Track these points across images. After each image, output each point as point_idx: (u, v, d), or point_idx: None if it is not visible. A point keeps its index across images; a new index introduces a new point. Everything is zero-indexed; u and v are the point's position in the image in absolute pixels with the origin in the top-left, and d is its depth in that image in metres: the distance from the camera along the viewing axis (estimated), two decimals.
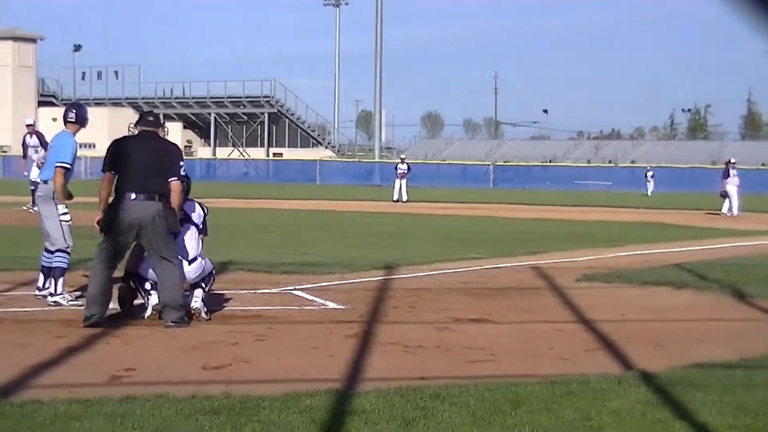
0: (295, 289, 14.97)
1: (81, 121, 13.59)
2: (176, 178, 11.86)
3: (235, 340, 10.75)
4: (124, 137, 12.20)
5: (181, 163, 12.01)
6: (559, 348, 10.66)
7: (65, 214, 13.17)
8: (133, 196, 11.60)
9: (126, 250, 11.95)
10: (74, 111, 13.65)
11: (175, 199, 11.84)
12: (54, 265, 13.14)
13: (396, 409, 7.52)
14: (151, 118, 12.17)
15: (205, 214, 12.69)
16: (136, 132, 12.09)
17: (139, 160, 11.73)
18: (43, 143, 28.79)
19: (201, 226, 12.56)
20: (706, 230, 30.91)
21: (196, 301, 12.17)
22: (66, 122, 13.57)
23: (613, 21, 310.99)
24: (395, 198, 49.71)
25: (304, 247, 22.36)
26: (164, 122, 12.30)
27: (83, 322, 11.39)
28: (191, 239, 12.38)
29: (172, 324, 11.50)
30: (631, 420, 7.32)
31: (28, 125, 31.47)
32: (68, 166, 13.18)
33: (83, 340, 10.65)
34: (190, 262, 12.23)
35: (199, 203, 12.78)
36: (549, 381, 8.59)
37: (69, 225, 13.23)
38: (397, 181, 50.75)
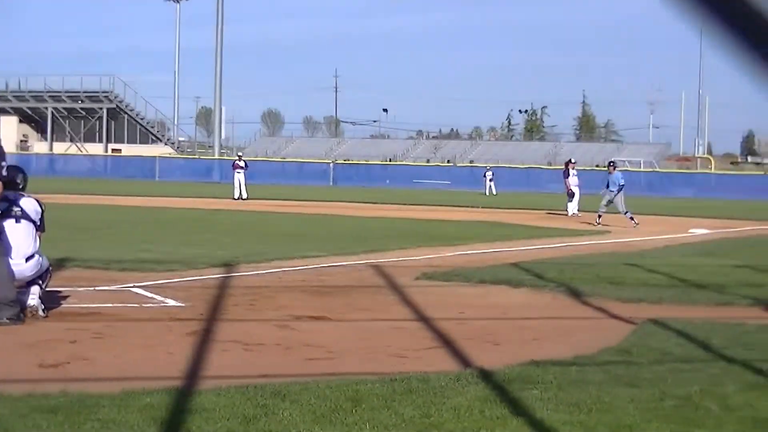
0: (133, 287, 14.80)
1: None
2: None
3: (72, 338, 10.61)
4: None
5: (3, 163, 11.75)
6: (399, 346, 10.75)
7: None
8: None
9: None
10: None
11: None
12: None
13: (237, 407, 7.50)
14: None
15: (42, 210, 12.47)
16: None
17: None
18: None
19: (38, 223, 12.34)
20: (542, 230, 31.45)
21: (33, 298, 11.96)
22: None
23: (451, 21, 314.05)
24: (236, 195, 49.46)
25: (142, 243, 22.10)
26: None
27: None
28: (28, 236, 12.15)
29: (7, 321, 11.27)
30: (469, 416, 7.42)
31: None
32: None
33: None
34: (27, 259, 12.01)
35: (36, 199, 12.55)
36: (389, 378, 8.66)
37: None
38: (236, 179, 50.48)
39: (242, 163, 51.71)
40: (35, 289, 12.03)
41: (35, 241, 12.24)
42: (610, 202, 34.65)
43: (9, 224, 12.01)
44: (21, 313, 11.53)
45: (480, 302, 14.51)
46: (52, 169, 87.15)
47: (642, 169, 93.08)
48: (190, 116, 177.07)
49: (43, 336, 10.69)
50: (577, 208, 39.98)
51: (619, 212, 34.32)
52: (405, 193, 63.52)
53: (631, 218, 33.64)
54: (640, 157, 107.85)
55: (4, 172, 11.80)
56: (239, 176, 50.50)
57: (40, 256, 12.25)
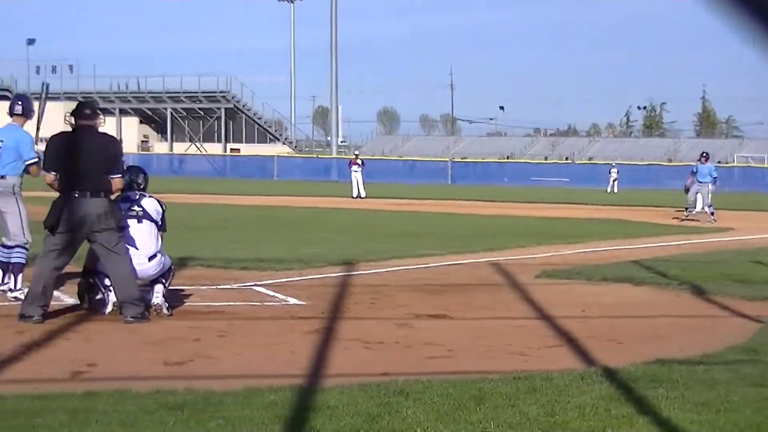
0: (255, 285, 14.94)
1: (27, 113, 13.53)
2: (119, 175, 11.84)
3: (196, 336, 10.73)
4: (62, 133, 11.94)
5: (123, 159, 11.98)
6: (520, 344, 10.70)
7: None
8: (77, 194, 11.53)
9: (73, 248, 11.84)
10: (20, 103, 13.58)
11: (113, 193, 11.89)
12: (13, 260, 13.07)
13: (360, 404, 7.52)
14: (88, 111, 11.93)
15: (163, 210, 12.65)
16: (72, 121, 11.88)
17: (81, 158, 11.61)
18: None
19: (160, 223, 12.52)
20: (663, 227, 31.09)
21: (157, 297, 12.14)
22: (12, 114, 13.48)
23: (569, 18, 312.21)
24: (354, 194, 49.58)
25: (262, 243, 22.31)
26: (101, 113, 12.14)
27: (19, 318, 11.36)
28: (150, 235, 12.34)
29: (132, 319, 11.45)
30: (595, 415, 7.35)
31: None
32: (36, 159, 13.18)
33: (44, 335, 10.59)
34: (149, 259, 12.20)
35: (157, 199, 12.73)
36: (512, 377, 8.62)
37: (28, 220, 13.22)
38: (354, 177, 50.56)
39: (359, 162, 51.86)
40: (159, 288, 12.21)
41: (157, 240, 12.42)
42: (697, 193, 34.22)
43: (131, 224, 12.20)
44: (146, 311, 11.71)
45: (602, 300, 14.37)
46: (172, 169, 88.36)
47: (766, 165, 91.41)
48: (306, 115, 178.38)
49: (167, 334, 10.84)
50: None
51: (693, 205, 34.03)
52: (523, 190, 63.22)
53: (711, 213, 33.21)
54: (763, 153, 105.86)
55: (124, 167, 12.04)
56: (356, 175, 50.65)
57: (162, 255, 12.42)
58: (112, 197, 11.90)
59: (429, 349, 10.38)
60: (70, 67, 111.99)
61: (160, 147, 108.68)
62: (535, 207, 43.04)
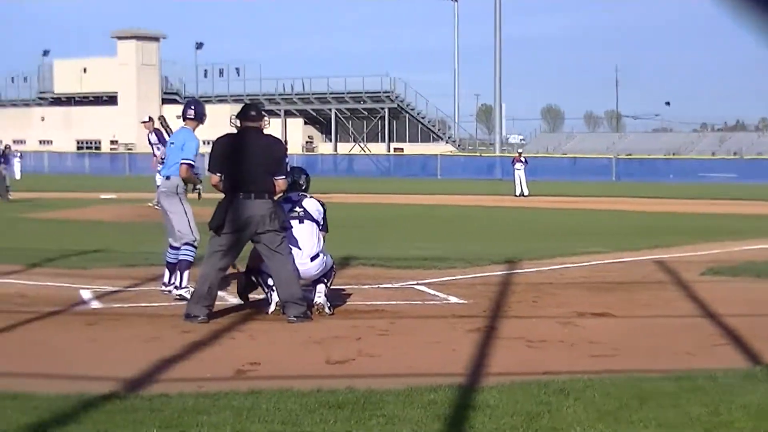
0: (417, 284, 15.00)
1: (200, 117, 13.81)
2: (283, 177, 12.00)
3: (358, 335, 10.82)
4: (228, 135, 12.19)
5: (287, 160, 12.13)
6: (684, 342, 10.52)
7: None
8: (243, 195, 11.71)
9: (238, 249, 12.06)
10: (193, 108, 13.89)
11: (277, 194, 12.04)
12: (180, 257, 13.33)
13: (520, 403, 7.49)
14: (253, 113, 12.06)
15: (324, 211, 12.76)
16: (237, 123, 12.08)
17: (246, 159, 11.79)
18: (161, 140, 28.96)
19: (321, 223, 12.64)
20: None
21: (319, 296, 12.27)
22: (185, 119, 13.80)
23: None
24: (517, 192, 49.27)
25: (425, 241, 22.38)
26: (266, 115, 12.32)
27: (184, 318, 11.61)
28: (312, 236, 12.47)
29: (295, 319, 11.59)
30: (761, 415, 7.19)
31: (143, 123, 30.64)
32: (192, 162, 13.41)
33: (209, 334, 10.80)
34: (311, 259, 12.32)
35: (318, 200, 12.85)
36: (675, 376, 8.49)
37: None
38: (517, 175, 50.21)
39: (522, 159, 51.54)
40: (321, 288, 12.34)
41: (319, 240, 12.54)
42: None
43: (293, 225, 12.34)
44: (308, 310, 11.84)
45: None
46: (336, 169, 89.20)
47: None
48: (470, 114, 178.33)
49: (329, 333, 10.94)
50: None
51: None
52: (689, 187, 62.15)
53: None
54: None
55: (288, 168, 12.24)
56: (519, 173, 50.37)
57: (324, 255, 12.54)
58: (276, 198, 12.07)
59: (593, 347, 10.29)
60: (237, 70, 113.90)
61: (324, 148, 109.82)
62: (701, 203, 42.26)
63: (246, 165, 11.76)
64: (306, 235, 12.38)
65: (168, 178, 13.61)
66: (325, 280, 12.42)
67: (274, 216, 11.75)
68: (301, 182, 12.76)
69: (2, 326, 11.14)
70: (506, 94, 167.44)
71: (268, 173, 11.81)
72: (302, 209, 12.47)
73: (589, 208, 38.55)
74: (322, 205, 12.81)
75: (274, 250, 11.77)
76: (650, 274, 16.80)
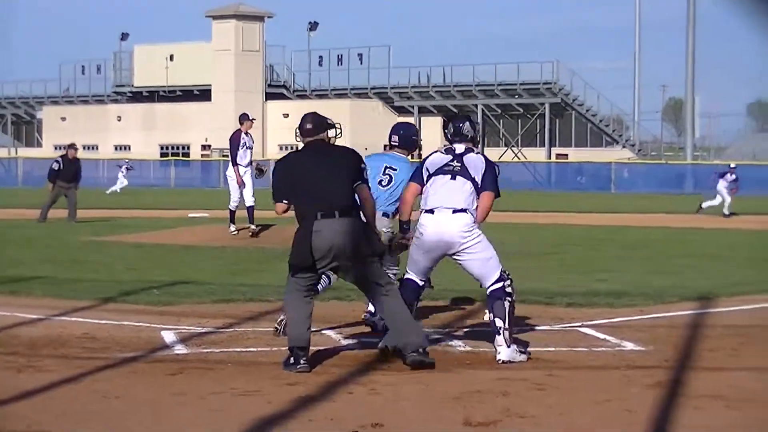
0: (582, 326, 14.96)
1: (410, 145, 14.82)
2: (361, 182, 12.09)
3: (506, 389, 10.80)
4: (289, 155, 12.52)
5: (363, 165, 12.21)
6: None
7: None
8: (320, 216, 11.84)
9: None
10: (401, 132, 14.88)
11: (367, 208, 12.11)
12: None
13: None
14: (308, 125, 12.27)
15: (492, 168, 12.77)
16: (301, 143, 12.29)
17: (313, 178, 11.97)
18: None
19: (479, 182, 12.67)
20: None
21: (500, 347, 12.32)
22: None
23: None
24: (726, 212, 47.93)
25: (597, 272, 22.26)
26: (334, 122, 12.41)
27: (286, 367, 11.77)
28: (459, 191, 12.49)
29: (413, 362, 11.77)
30: None
31: (249, 121, 30.00)
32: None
33: (320, 387, 10.87)
34: (454, 212, 12.40)
35: (486, 158, 12.90)
36: None
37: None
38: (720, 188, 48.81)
39: (733, 176, 49.94)
40: (500, 327, 12.45)
41: (470, 197, 12.58)
42: None
43: (443, 179, 12.63)
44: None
45: None
46: None
47: None
48: (655, 110, 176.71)
49: (470, 387, 10.93)
50: None
51: None
52: None
53: None
54: None
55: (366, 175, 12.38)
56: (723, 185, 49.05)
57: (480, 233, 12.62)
58: (368, 211, 12.23)
59: None
60: (360, 57, 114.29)
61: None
62: None
63: (313, 184, 11.93)
64: (450, 190, 12.47)
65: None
66: (503, 302, 12.44)
67: (363, 238, 11.91)
68: (465, 131, 12.87)
69: (66, 376, 11.34)
70: (701, 84, 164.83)
71: (348, 187, 11.99)
72: (460, 164, 12.54)
73: None
74: (491, 164, 12.80)
75: (372, 280, 12.01)
76: None
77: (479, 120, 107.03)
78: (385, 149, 15.22)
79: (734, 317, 16.09)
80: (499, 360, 12.27)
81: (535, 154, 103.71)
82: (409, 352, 11.79)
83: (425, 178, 12.62)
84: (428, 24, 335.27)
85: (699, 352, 13.22)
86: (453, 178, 12.48)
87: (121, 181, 76.22)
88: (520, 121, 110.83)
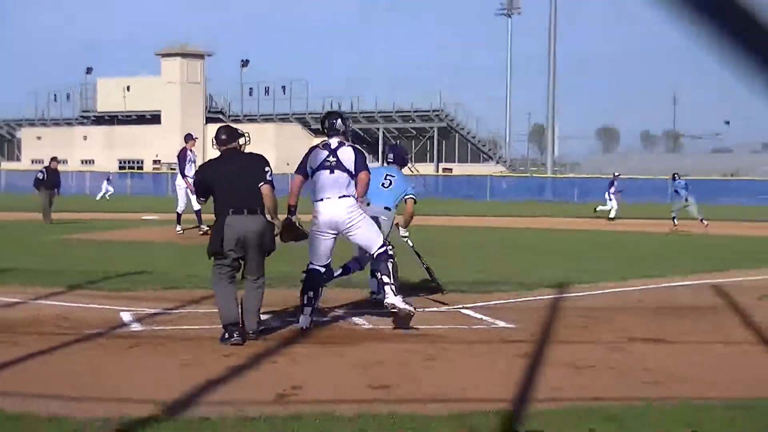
0: (463, 308, 15.02)
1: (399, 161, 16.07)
2: (264, 182, 12.13)
3: (403, 359, 10.85)
4: (209, 161, 12.64)
5: (267, 168, 12.25)
6: (741, 369, 10.49)
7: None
8: (231, 212, 11.93)
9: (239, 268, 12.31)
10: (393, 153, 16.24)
11: (268, 203, 12.12)
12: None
13: (566, 430, 7.50)
14: (223, 136, 12.39)
15: (360, 156, 13.19)
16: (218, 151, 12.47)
17: (226, 181, 12.05)
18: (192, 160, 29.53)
19: (353, 171, 13.00)
20: None
21: (388, 296, 12.68)
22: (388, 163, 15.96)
23: None
24: (611, 216, 47.72)
25: (474, 265, 22.33)
26: (243, 132, 12.57)
27: (222, 341, 11.81)
28: (337, 182, 12.84)
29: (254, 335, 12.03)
30: None
31: (195, 138, 31.03)
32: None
33: (250, 358, 10.87)
34: (340, 198, 12.79)
35: (356, 148, 13.32)
36: (730, 405, 8.46)
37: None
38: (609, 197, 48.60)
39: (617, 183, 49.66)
40: (386, 285, 12.73)
41: (348, 186, 12.93)
42: None
43: (323, 174, 12.89)
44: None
45: None
46: None
47: None
48: (522, 133, 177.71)
49: (374, 357, 10.97)
50: None
51: None
52: (749, 210, 61.71)
53: None
54: None
55: (269, 177, 12.46)
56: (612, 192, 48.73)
57: (362, 212, 13.08)
58: (269, 204, 12.22)
59: (645, 374, 10.25)
60: (283, 89, 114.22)
61: (372, 167, 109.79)
62: (760, 226, 41.97)
63: (227, 185, 12.01)
64: (332, 182, 12.76)
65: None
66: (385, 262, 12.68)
67: (266, 234, 12.07)
68: (338, 126, 13.08)
69: (43, 348, 11.25)
70: (560, 113, 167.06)
71: (255, 188, 12.06)
72: (335, 159, 12.78)
73: (648, 230, 38.41)
74: (360, 151, 13.11)
75: (258, 271, 12.17)
76: (707, 299, 16.71)
77: (380, 141, 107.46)
78: (382, 164, 16.43)
79: (584, 301, 16.23)
80: (387, 303, 12.72)
81: (427, 169, 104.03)
82: (247, 331, 11.97)
83: (310, 172, 12.86)
84: (339, 62, 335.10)
85: (557, 328, 13.34)
86: (332, 172, 12.77)
87: (107, 189, 76.12)
88: (413, 141, 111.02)
